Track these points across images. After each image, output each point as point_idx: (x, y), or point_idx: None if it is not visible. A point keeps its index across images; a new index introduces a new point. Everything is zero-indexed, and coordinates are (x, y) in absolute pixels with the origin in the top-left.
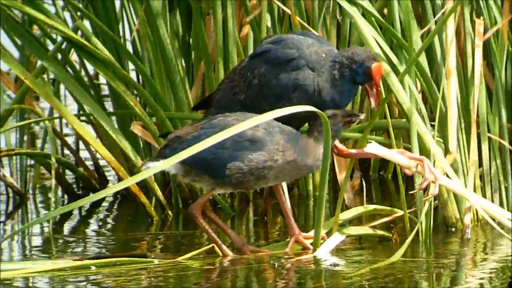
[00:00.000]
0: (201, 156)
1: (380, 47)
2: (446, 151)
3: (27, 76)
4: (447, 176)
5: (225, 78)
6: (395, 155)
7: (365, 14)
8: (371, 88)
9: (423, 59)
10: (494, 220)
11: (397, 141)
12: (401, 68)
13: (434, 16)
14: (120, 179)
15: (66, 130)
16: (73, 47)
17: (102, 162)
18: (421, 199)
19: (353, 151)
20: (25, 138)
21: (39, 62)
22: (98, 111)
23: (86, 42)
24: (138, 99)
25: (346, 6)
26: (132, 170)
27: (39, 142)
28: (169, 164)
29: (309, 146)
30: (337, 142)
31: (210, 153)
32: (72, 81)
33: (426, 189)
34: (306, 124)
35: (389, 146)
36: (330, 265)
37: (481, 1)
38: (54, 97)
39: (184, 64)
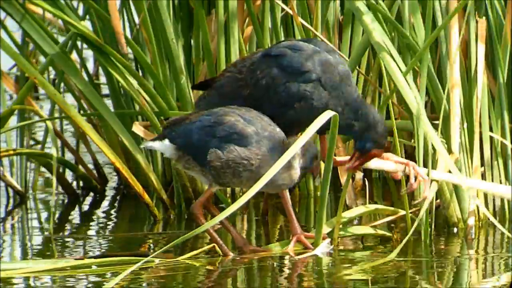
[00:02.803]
0: (191, 141)
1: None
2: (449, 152)
3: (35, 74)
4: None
5: (233, 65)
6: (381, 163)
7: (373, 11)
8: (356, 158)
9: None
10: (494, 217)
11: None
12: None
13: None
14: (122, 178)
15: (66, 130)
16: (87, 44)
17: (102, 162)
18: (423, 199)
19: (341, 159)
20: (25, 138)
21: (39, 63)
22: (105, 109)
23: (98, 39)
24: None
25: (357, 4)
26: (133, 169)
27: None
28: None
29: (285, 165)
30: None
31: (199, 139)
32: (81, 77)
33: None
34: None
35: (389, 144)
36: (331, 264)
37: (486, 1)
38: (60, 95)
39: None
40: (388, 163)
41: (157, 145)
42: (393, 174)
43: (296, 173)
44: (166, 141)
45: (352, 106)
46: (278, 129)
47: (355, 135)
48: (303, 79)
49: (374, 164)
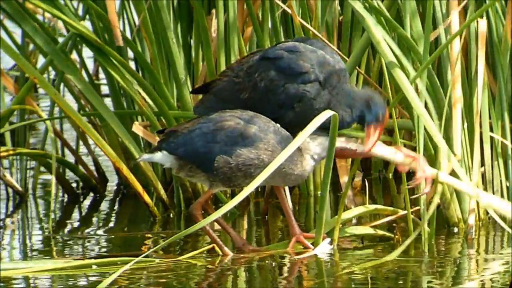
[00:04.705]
0: (193, 149)
1: (390, 47)
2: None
3: (36, 74)
4: (454, 174)
5: (230, 69)
6: (391, 153)
7: (376, 15)
8: (374, 131)
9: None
10: (496, 217)
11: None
12: (409, 68)
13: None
14: (122, 178)
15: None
16: (87, 44)
17: (102, 162)
18: (424, 199)
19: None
20: (25, 138)
21: (39, 62)
22: (105, 109)
23: (98, 39)
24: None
25: (358, 7)
26: (133, 169)
27: (39, 142)
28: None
29: (298, 155)
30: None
31: (202, 146)
32: (80, 77)
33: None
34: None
35: (389, 143)
36: (331, 264)
37: (486, 1)
38: (60, 95)
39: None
40: (397, 154)
41: (155, 157)
42: (399, 166)
43: (308, 164)
44: (165, 152)
45: (349, 99)
46: (279, 125)
47: (362, 116)
48: (302, 80)
49: (383, 152)
